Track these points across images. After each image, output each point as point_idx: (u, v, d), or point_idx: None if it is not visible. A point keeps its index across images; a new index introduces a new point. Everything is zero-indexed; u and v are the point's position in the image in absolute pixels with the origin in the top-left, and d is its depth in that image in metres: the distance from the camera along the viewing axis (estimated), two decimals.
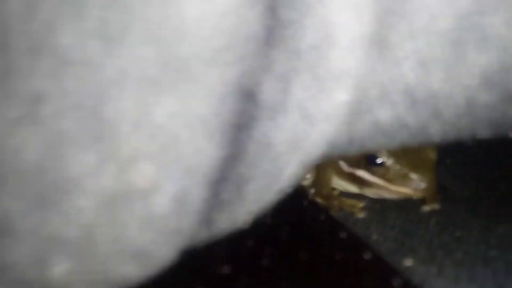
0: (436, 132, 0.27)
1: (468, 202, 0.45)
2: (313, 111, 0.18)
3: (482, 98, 0.24)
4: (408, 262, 0.36)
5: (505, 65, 0.22)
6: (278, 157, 0.20)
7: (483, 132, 0.30)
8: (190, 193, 0.19)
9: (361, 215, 0.43)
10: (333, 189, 0.48)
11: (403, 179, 0.42)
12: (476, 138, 0.33)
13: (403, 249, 0.38)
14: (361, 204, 0.45)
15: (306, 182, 0.49)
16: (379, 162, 0.43)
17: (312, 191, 0.47)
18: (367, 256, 0.33)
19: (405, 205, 0.45)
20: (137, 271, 0.23)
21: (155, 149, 0.16)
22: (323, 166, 0.48)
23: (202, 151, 0.18)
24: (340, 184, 0.48)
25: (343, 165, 0.46)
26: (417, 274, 0.35)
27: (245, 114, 0.18)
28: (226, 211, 0.23)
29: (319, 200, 0.46)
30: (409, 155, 0.43)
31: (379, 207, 0.45)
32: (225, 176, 0.21)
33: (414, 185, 0.42)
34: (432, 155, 0.43)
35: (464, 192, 0.55)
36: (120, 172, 0.15)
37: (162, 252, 0.22)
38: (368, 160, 0.43)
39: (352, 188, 0.47)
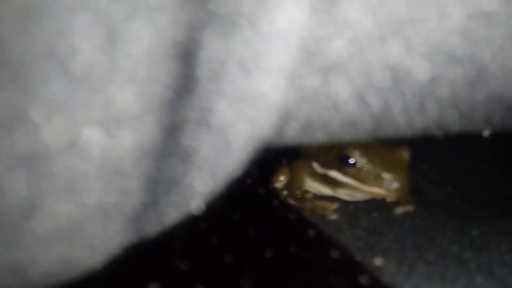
0: (401, 116, 0.26)
1: (443, 206, 0.43)
2: (255, 71, 0.17)
3: (446, 74, 0.23)
4: (378, 261, 0.35)
5: (470, 37, 0.20)
6: (223, 126, 0.18)
7: (451, 122, 0.28)
8: (124, 162, 0.17)
9: (333, 217, 0.42)
10: (307, 191, 0.47)
11: (375, 179, 0.40)
12: (445, 130, 0.31)
13: (374, 249, 0.37)
14: (334, 206, 0.43)
15: (279, 184, 0.47)
16: (352, 162, 0.41)
17: (285, 193, 0.45)
18: (335, 254, 0.31)
19: (379, 207, 0.43)
20: (74, 254, 0.20)
21: (72, 105, 0.14)
22: (297, 168, 0.46)
23: (135, 114, 0.16)
24: (313, 186, 0.46)
25: (317, 166, 0.45)
26: (387, 272, 0.33)
27: (184, 76, 0.16)
28: (173, 192, 0.22)
29: (291, 202, 0.44)
30: (382, 155, 0.42)
31: (353, 209, 0.43)
32: (168, 149, 0.19)
33: (387, 185, 0.40)
34: (405, 155, 0.42)
35: (439, 196, 0.53)
36: (32, 129, 0.14)
37: (101, 233, 0.20)
38: (340, 160, 0.42)
39: (326, 190, 0.45)
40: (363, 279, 0.29)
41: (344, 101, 0.21)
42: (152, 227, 0.24)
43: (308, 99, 0.21)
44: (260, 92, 0.17)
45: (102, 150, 0.15)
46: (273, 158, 0.52)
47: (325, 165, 0.44)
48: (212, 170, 0.20)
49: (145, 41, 0.14)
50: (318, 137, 0.26)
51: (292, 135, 0.24)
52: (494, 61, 0.22)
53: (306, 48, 0.17)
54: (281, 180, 0.47)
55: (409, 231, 0.40)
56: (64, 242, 0.19)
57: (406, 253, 0.36)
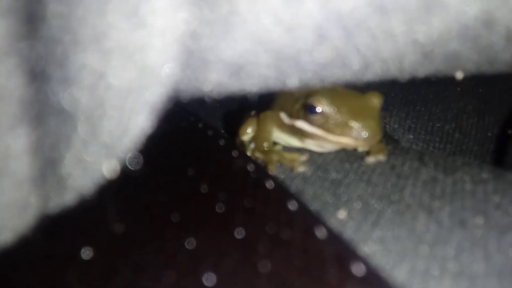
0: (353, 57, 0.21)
1: (417, 154, 0.39)
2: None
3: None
4: (341, 214, 0.31)
5: None
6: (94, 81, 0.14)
7: (412, 61, 0.24)
8: None
9: (301, 169, 0.37)
10: (275, 144, 0.42)
11: (343, 128, 0.36)
12: (409, 73, 0.27)
13: (339, 201, 0.33)
14: (303, 158, 0.39)
15: (246, 137, 0.43)
16: (318, 111, 0.36)
17: (253, 146, 0.41)
18: (292, 206, 0.27)
19: (350, 157, 0.39)
20: None
21: None
22: (263, 119, 0.42)
23: None
24: (281, 137, 0.42)
25: (284, 116, 0.40)
26: (349, 226, 0.29)
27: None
28: (68, 153, 0.18)
29: (258, 155, 0.40)
30: (350, 102, 0.37)
31: (322, 160, 0.39)
32: (43, 105, 0.15)
33: (355, 134, 0.35)
34: (376, 102, 0.37)
35: (416, 144, 0.49)
36: None
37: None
38: (306, 109, 0.37)
39: (294, 142, 0.41)
40: (319, 233, 0.25)
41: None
42: (63, 193, 0.20)
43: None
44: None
45: None
46: (240, 110, 0.47)
47: (292, 115, 0.39)
48: (103, 126, 0.16)
49: None
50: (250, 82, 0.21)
51: (219, 79, 0.20)
52: None
53: None
54: (248, 132, 0.42)
55: (379, 181, 0.35)
56: None
57: (373, 204, 0.32)
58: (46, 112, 0.16)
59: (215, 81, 0.19)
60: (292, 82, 0.22)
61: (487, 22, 0.21)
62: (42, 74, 0.15)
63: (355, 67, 0.22)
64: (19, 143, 0.16)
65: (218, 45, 0.17)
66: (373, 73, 0.24)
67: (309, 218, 0.27)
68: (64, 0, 0.14)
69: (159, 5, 0.16)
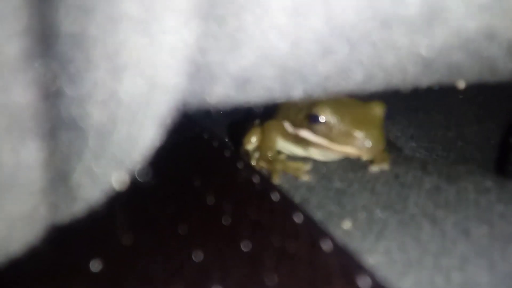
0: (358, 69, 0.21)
1: (420, 163, 0.39)
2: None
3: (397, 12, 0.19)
4: (346, 225, 0.31)
5: None
6: (107, 97, 0.14)
7: (414, 72, 0.24)
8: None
9: (306, 178, 0.37)
10: (280, 152, 0.42)
11: (346, 137, 0.36)
12: (411, 83, 0.27)
13: (344, 211, 0.33)
14: (307, 167, 0.39)
15: (250, 146, 0.43)
16: (322, 120, 0.37)
17: (257, 155, 0.41)
18: (298, 219, 0.27)
19: (354, 167, 0.39)
20: None
21: None
22: (268, 128, 0.42)
23: None
24: (286, 147, 0.42)
25: (288, 126, 0.41)
26: (354, 237, 0.29)
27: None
28: (79, 165, 0.18)
29: (263, 164, 0.40)
30: (354, 111, 0.37)
31: (326, 169, 0.39)
32: (52, 118, 0.15)
33: (359, 144, 0.36)
34: (379, 111, 0.37)
35: (418, 152, 0.49)
36: None
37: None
38: (310, 119, 0.37)
39: (298, 151, 0.41)
40: (325, 245, 0.25)
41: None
42: (73, 204, 0.20)
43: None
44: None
45: None
46: (245, 119, 0.48)
47: (296, 124, 0.40)
48: (113, 140, 0.17)
49: None
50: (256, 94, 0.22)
51: (224, 93, 0.20)
52: None
53: None
54: (252, 141, 0.42)
55: (383, 190, 0.35)
56: None
57: (377, 214, 0.32)
58: (58, 127, 0.16)
59: (222, 93, 0.19)
60: (297, 93, 0.23)
61: (489, 35, 0.21)
62: (55, 91, 0.15)
63: (358, 79, 0.23)
64: (31, 156, 0.16)
65: (225, 59, 0.18)
66: (376, 84, 0.24)
67: (314, 230, 0.27)
68: (76, 20, 0.14)
69: (169, 22, 0.16)
